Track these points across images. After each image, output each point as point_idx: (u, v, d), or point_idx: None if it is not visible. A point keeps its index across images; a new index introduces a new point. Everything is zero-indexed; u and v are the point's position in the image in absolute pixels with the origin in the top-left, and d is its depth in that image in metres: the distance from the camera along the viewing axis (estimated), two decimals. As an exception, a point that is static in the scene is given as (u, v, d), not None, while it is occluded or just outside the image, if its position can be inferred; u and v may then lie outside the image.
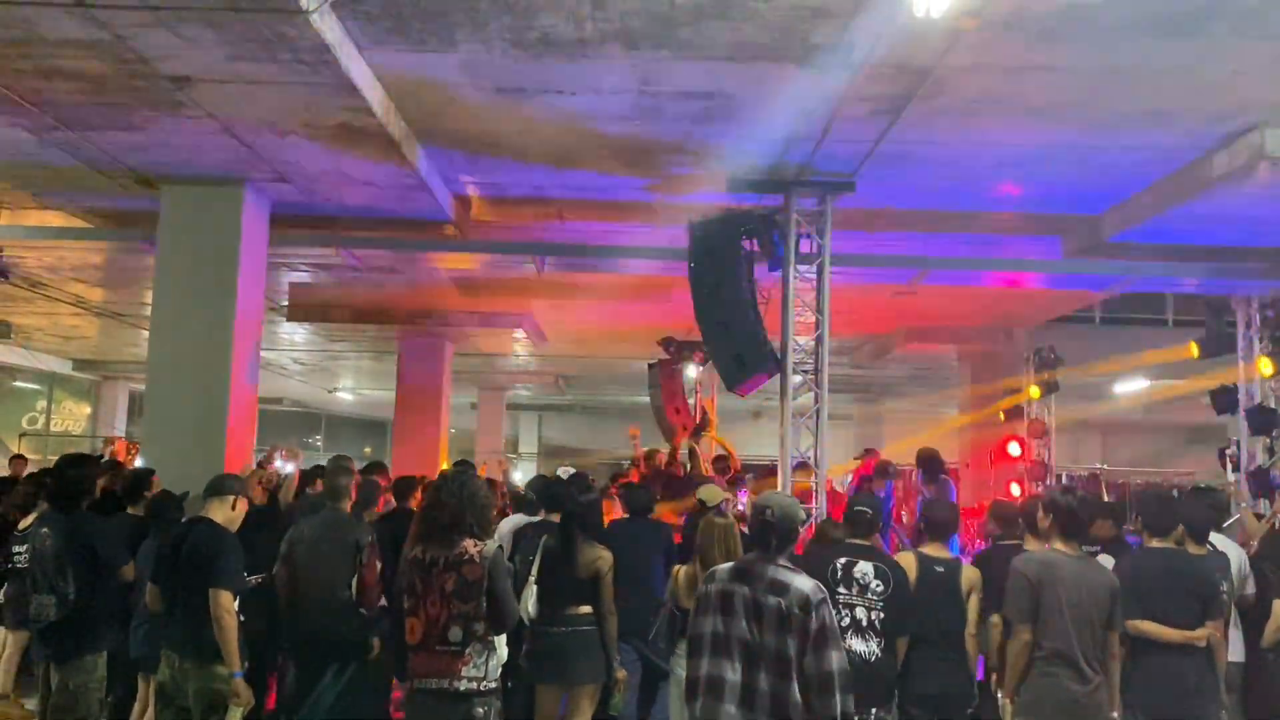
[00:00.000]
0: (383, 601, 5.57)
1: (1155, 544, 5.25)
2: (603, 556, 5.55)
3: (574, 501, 5.80)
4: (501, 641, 4.38)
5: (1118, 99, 6.38)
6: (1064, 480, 14.90)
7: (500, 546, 4.42)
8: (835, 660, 3.75)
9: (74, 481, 6.04)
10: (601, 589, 5.50)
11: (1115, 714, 4.68)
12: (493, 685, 4.26)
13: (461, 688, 4.17)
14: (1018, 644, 4.68)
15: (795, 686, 3.73)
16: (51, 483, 5.83)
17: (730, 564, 4.16)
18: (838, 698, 3.70)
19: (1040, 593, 4.64)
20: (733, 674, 3.82)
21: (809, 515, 7.32)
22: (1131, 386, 16.88)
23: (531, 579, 5.56)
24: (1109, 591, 4.65)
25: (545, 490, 6.68)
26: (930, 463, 9.50)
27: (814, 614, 3.76)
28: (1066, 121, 6.79)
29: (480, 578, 4.20)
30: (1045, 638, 4.60)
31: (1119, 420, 24.25)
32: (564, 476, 7.40)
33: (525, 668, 5.58)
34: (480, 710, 4.19)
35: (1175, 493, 7.55)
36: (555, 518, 5.99)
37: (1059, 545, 4.81)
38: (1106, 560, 5.92)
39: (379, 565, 5.59)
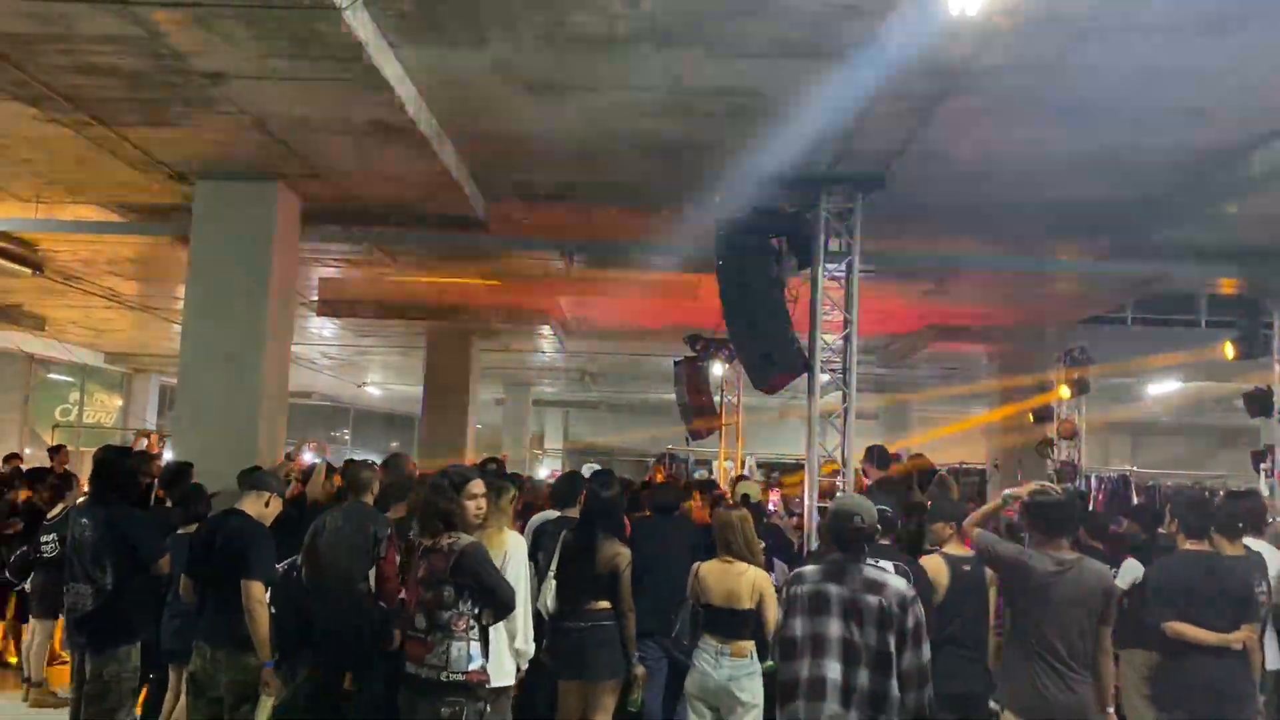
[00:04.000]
0: (402, 594, 5.59)
1: (1190, 546, 5.19)
2: (621, 553, 5.56)
3: (595, 498, 5.81)
4: (494, 652, 4.45)
5: (1155, 98, 6.31)
6: (1091, 480, 14.74)
7: (477, 540, 4.36)
8: (926, 655, 3.95)
9: (127, 473, 6.10)
10: (620, 585, 5.51)
11: (1111, 709, 4.59)
12: (459, 677, 4.14)
13: (423, 675, 4.17)
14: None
15: (894, 681, 3.88)
16: (98, 474, 5.89)
17: (817, 565, 4.21)
18: (929, 689, 3.94)
19: (1026, 594, 4.48)
20: (833, 672, 3.92)
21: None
22: (1163, 388, 16.71)
23: (550, 574, 5.58)
24: (1102, 592, 4.48)
25: (565, 486, 6.70)
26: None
27: (910, 611, 3.94)
28: (1101, 120, 6.72)
29: (443, 569, 4.18)
30: (1031, 638, 4.45)
31: (1150, 422, 24.06)
32: (586, 475, 7.42)
33: (546, 663, 5.60)
34: (446, 711, 4.11)
35: (1209, 494, 7.45)
36: (575, 513, 6.01)
37: (1044, 546, 4.55)
38: (1133, 565, 5.87)
39: (397, 558, 5.62)
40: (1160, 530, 6.95)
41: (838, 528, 4.19)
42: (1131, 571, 6.14)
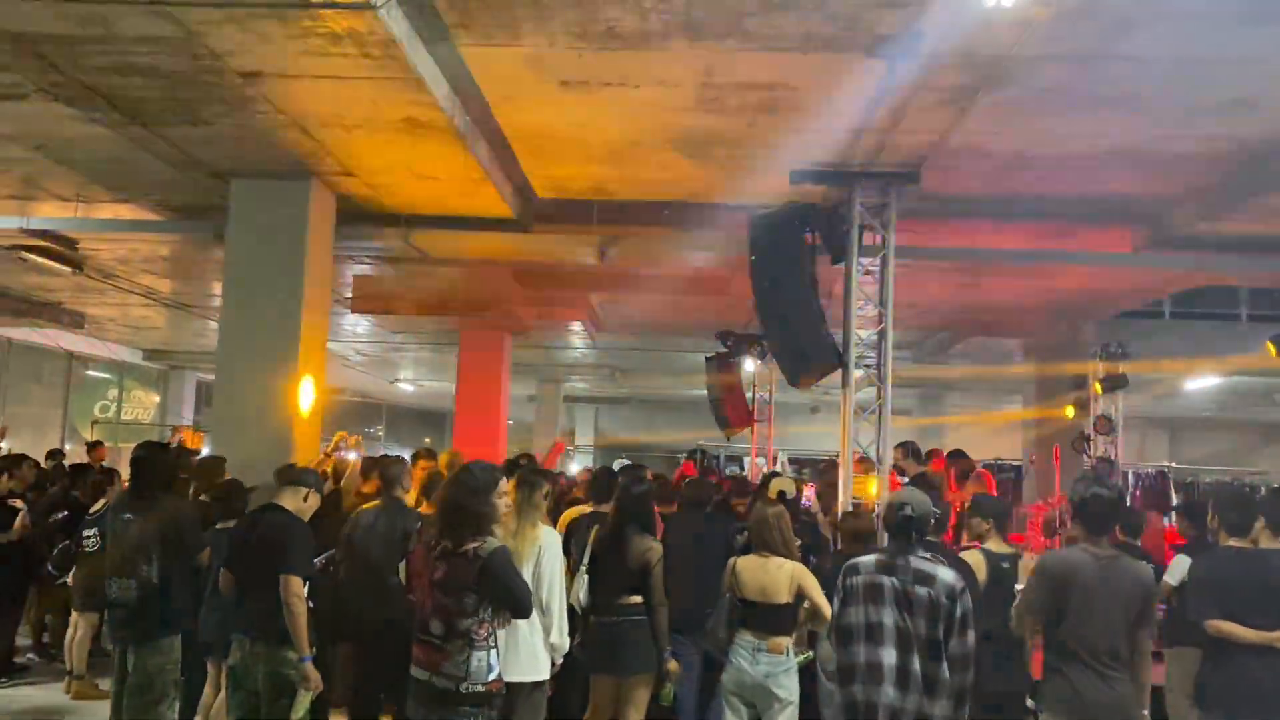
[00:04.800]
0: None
1: (1233, 543, 5.11)
2: (653, 547, 5.56)
3: (625, 493, 5.82)
4: (529, 648, 4.38)
5: (1195, 89, 6.22)
6: (1130, 477, 14.57)
7: (502, 543, 4.15)
8: (972, 641, 4.20)
9: (167, 468, 6.18)
10: (652, 579, 5.51)
11: (1145, 713, 4.53)
12: (479, 688, 3.96)
13: (439, 684, 3.96)
14: (1021, 629, 4.60)
15: (945, 666, 4.14)
16: (138, 469, 5.97)
17: (872, 557, 4.41)
18: (970, 673, 4.18)
19: (1063, 591, 4.39)
20: (889, 658, 4.18)
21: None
22: (1202, 382, 16.47)
23: (582, 568, 5.59)
24: (1141, 590, 4.39)
25: (602, 482, 6.71)
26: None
27: (958, 602, 4.19)
28: (1140, 111, 6.64)
29: (468, 576, 3.96)
30: (1069, 637, 4.41)
31: (1189, 417, 23.74)
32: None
33: (579, 657, 5.61)
34: None
35: (1250, 490, 7.34)
36: (607, 509, 6.02)
37: (1085, 543, 4.50)
38: (1184, 562, 5.78)
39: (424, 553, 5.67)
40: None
41: (889, 517, 4.40)
42: (1180, 568, 6.06)
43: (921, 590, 4.19)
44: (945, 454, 10.26)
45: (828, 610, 5.18)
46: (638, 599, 5.51)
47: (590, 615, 5.53)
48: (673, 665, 5.60)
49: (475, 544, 4.02)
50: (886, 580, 4.27)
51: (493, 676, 4.02)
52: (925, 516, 4.36)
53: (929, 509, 4.41)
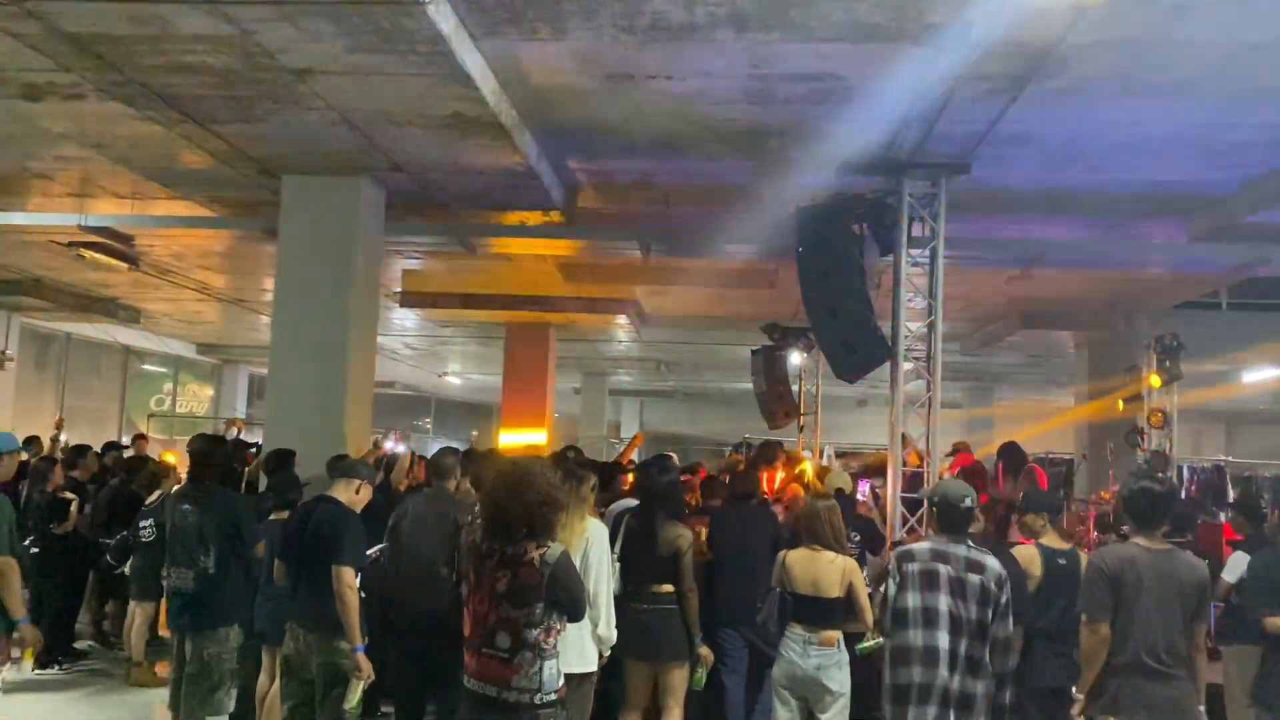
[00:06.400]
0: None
1: (1293, 540, 5.01)
2: (683, 535, 5.62)
3: (654, 481, 5.87)
4: (586, 643, 4.37)
5: (1253, 74, 6.07)
6: (1185, 471, 14.30)
7: (565, 550, 4.03)
8: (1012, 626, 4.57)
9: (223, 460, 6.31)
10: (681, 567, 5.55)
11: (1202, 708, 4.46)
12: (551, 697, 3.86)
13: (511, 699, 3.81)
14: (1094, 639, 4.41)
15: (988, 649, 4.48)
16: (195, 461, 6.11)
17: (926, 544, 4.70)
18: (1012, 657, 4.57)
19: (1119, 588, 4.37)
20: (943, 642, 4.45)
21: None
22: (1260, 374, 16.11)
23: (614, 556, 5.63)
24: (1196, 585, 4.35)
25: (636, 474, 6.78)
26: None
27: (1004, 589, 4.50)
28: (1196, 98, 6.49)
29: (538, 585, 3.83)
30: (1125, 634, 4.34)
31: (1245, 410, 23.24)
32: None
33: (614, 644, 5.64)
34: None
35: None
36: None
37: (1138, 538, 4.50)
38: (1241, 559, 5.68)
39: None
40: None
41: (948, 509, 4.62)
42: (1239, 565, 5.94)
43: (974, 577, 4.47)
44: (968, 447, 10.20)
45: (869, 614, 5.22)
46: (669, 587, 5.56)
47: (623, 602, 5.57)
48: (704, 651, 5.63)
49: (540, 550, 3.89)
50: (941, 568, 4.52)
51: (561, 682, 3.95)
52: (973, 507, 4.70)
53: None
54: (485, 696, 3.86)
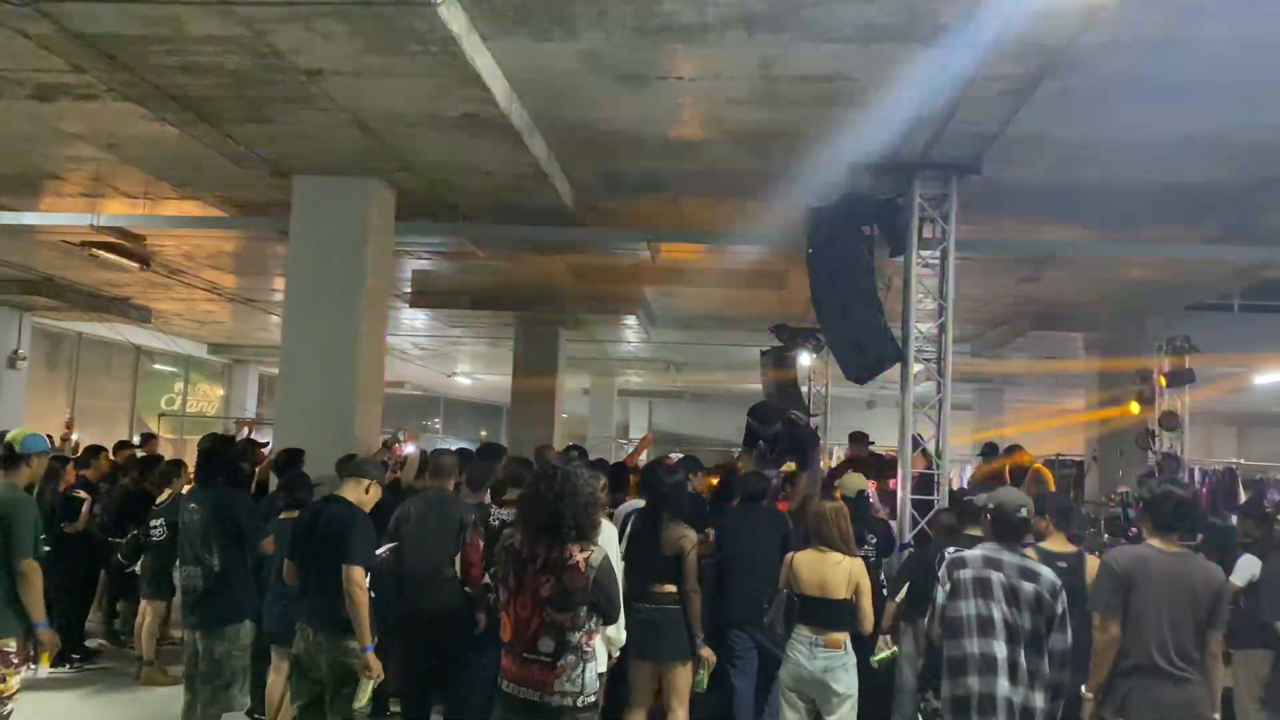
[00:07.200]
0: (485, 579, 5.67)
1: (1305, 543, 4.98)
2: (686, 535, 5.62)
3: (659, 481, 5.88)
4: (600, 645, 4.28)
5: (1268, 74, 6.04)
6: (1196, 474, 14.22)
7: (607, 554, 4.00)
8: (1069, 637, 4.32)
9: (232, 460, 6.33)
10: (685, 567, 5.55)
11: (1216, 715, 4.43)
12: (590, 699, 3.86)
13: (554, 703, 3.78)
14: (1104, 637, 4.40)
15: (1045, 660, 4.28)
16: (204, 461, 6.14)
17: (978, 551, 4.51)
18: (1068, 669, 4.30)
19: (1130, 588, 4.35)
20: (1000, 651, 4.28)
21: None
22: (1271, 377, 16.04)
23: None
24: (1210, 591, 4.32)
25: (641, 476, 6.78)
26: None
27: (1059, 598, 4.30)
28: (1210, 99, 6.46)
29: (584, 588, 3.81)
30: (1136, 635, 4.32)
31: (1257, 412, 23.14)
32: None
33: None
34: None
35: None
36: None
37: (1153, 540, 4.49)
38: (1251, 562, 5.64)
39: (481, 544, 5.71)
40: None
41: (1003, 517, 4.49)
42: (1249, 568, 5.91)
43: (1028, 586, 4.30)
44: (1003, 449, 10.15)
45: (870, 620, 5.21)
46: (672, 588, 5.57)
47: (628, 602, 5.57)
48: (705, 652, 5.63)
49: (585, 553, 3.87)
50: (995, 575, 4.36)
51: (599, 683, 3.98)
52: (1027, 514, 4.56)
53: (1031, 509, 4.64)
54: (526, 701, 3.83)
